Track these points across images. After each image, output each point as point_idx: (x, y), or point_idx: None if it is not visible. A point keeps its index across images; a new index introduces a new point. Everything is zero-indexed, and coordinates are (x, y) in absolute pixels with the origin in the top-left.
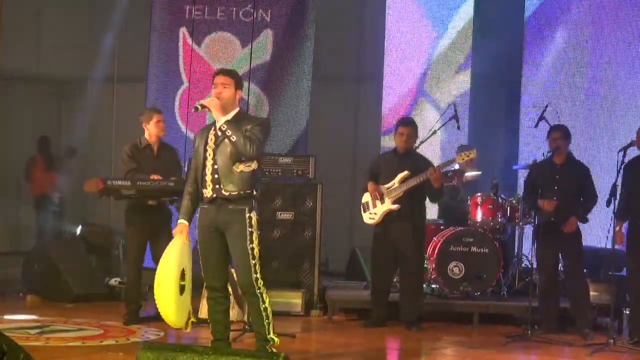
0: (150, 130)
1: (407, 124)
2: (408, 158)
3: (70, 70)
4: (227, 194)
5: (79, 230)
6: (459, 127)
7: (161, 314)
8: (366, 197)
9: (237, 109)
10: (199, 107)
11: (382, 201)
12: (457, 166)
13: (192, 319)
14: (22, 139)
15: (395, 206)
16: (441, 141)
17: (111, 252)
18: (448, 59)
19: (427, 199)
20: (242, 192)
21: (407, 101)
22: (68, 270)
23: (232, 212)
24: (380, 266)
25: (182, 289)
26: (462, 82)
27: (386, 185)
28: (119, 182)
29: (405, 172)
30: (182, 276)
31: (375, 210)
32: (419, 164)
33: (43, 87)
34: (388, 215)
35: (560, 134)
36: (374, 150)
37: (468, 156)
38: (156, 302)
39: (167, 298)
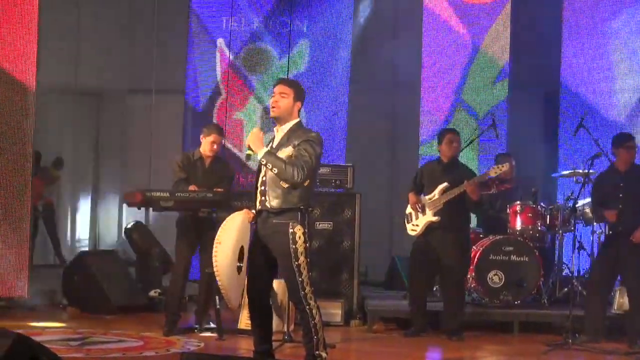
0: (203, 146)
1: (456, 132)
2: (451, 168)
3: (108, 82)
4: (269, 206)
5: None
6: (497, 136)
7: (220, 287)
8: (410, 208)
9: (297, 120)
10: (251, 154)
11: (424, 212)
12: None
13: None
14: (60, 153)
15: (435, 218)
16: (479, 150)
17: (151, 263)
18: (486, 66)
19: None
20: (286, 207)
21: (445, 110)
22: (107, 282)
23: (275, 226)
24: (418, 275)
25: (239, 269)
26: (500, 89)
27: (427, 197)
28: (158, 194)
29: (445, 184)
30: (241, 256)
31: (417, 221)
32: (461, 174)
33: (81, 100)
34: (430, 226)
35: (634, 142)
36: (412, 160)
37: (500, 169)
38: (216, 273)
39: (223, 269)
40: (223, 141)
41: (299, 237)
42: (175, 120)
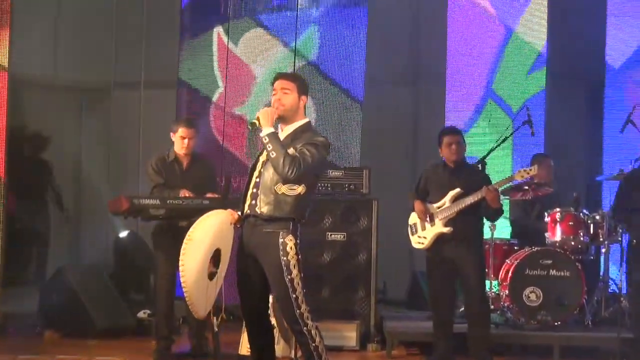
0: (175, 144)
1: (454, 132)
2: (460, 172)
3: (92, 76)
4: (259, 212)
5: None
6: (533, 133)
7: (184, 290)
8: (414, 218)
9: (305, 120)
10: (257, 123)
11: (432, 223)
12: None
13: (223, 315)
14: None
15: (447, 229)
16: (513, 149)
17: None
18: (520, 55)
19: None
20: (277, 215)
21: (473, 104)
22: (91, 301)
23: (264, 235)
24: (439, 294)
25: (211, 275)
26: (537, 80)
27: (436, 205)
28: (147, 201)
29: (457, 190)
30: (216, 259)
31: (424, 233)
32: (473, 178)
33: (61, 95)
34: (440, 238)
35: None
36: (436, 160)
37: (528, 173)
38: (181, 275)
39: (190, 270)
40: (194, 134)
41: (291, 249)
42: (166, 117)
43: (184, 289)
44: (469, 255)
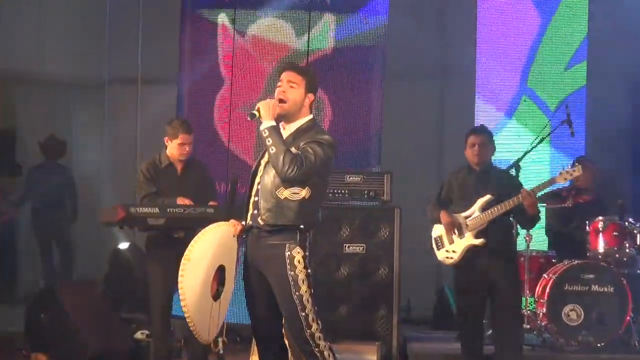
0: (171, 150)
1: (478, 132)
2: (488, 176)
3: (84, 70)
4: (262, 223)
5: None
6: (572, 134)
7: (185, 314)
8: (438, 230)
9: (308, 117)
10: (256, 114)
11: (461, 235)
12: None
13: (224, 339)
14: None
15: (479, 241)
16: (550, 152)
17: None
18: (558, 46)
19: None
20: (281, 224)
21: (506, 102)
22: (84, 322)
23: (268, 247)
24: (469, 312)
25: (217, 294)
26: (576, 75)
27: (464, 214)
28: (145, 209)
29: (487, 197)
30: (222, 277)
31: (452, 247)
32: (503, 182)
33: (50, 90)
34: (470, 251)
35: None
36: (464, 165)
37: (571, 174)
38: (181, 298)
39: (190, 292)
40: (193, 138)
41: (298, 262)
42: (166, 116)
43: (185, 313)
44: (503, 269)
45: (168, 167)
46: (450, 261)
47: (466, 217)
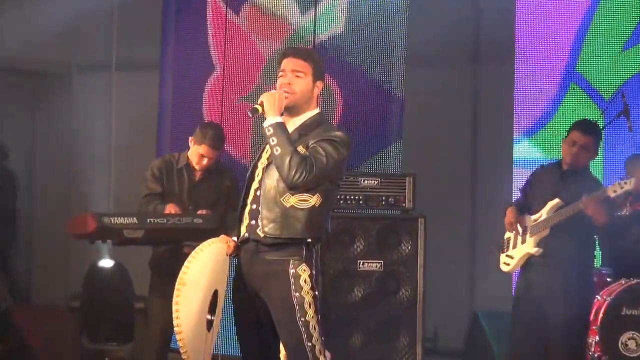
0: (192, 154)
1: (586, 131)
2: (575, 178)
3: (49, 55)
4: (262, 235)
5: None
6: (630, 128)
7: (180, 349)
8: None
9: (316, 111)
10: (259, 109)
11: (524, 239)
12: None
13: None
14: None
15: (535, 249)
16: (604, 149)
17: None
18: (612, 25)
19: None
20: (286, 237)
21: (552, 90)
22: (48, 354)
23: (269, 264)
24: (522, 341)
25: (209, 324)
26: (634, 59)
27: (533, 217)
28: (121, 220)
29: (557, 201)
30: (213, 305)
31: (512, 252)
32: (586, 188)
33: (10, 78)
34: (529, 260)
35: None
36: (502, 166)
37: (622, 187)
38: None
39: (187, 320)
40: (219, 156)
41: (305, 282)
42: (146, 108)
43: (180, 345)
44: (563, 287)
45: (184, 169)
46: (506, 268)
47: (534, 220)
